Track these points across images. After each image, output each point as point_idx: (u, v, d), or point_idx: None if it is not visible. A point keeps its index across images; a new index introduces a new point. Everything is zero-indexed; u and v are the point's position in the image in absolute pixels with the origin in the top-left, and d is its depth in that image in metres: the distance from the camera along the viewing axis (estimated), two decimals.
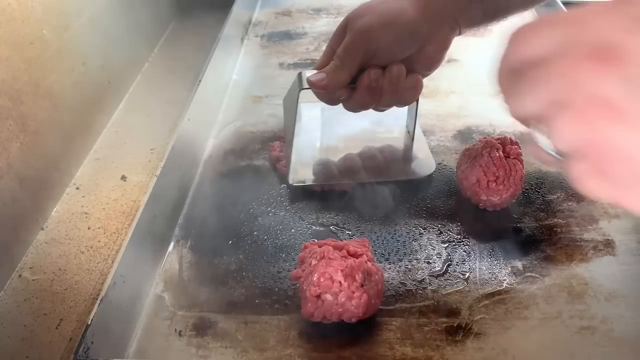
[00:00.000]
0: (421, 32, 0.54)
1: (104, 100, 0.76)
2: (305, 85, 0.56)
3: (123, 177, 0.66)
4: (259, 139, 0.73)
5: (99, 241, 0.58)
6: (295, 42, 0.96)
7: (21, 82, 0.58)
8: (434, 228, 0.58)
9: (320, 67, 0.57)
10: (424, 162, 0.65)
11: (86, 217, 0.61)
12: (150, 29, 0.94)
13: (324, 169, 0.64)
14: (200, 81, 0.72)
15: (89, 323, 0.43)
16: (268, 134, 0.74)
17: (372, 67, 0.54)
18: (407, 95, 0.57)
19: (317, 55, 0.91)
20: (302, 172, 0.64)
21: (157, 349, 0.48)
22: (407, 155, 0.67)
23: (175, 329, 0.49)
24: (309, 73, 0.56)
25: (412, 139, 0.66)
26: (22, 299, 0.52)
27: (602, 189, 0.29)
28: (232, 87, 0.84)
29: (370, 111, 0.59)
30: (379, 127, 0.70)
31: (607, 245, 0.55)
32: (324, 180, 0.63)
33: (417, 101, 0.61)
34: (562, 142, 0.29)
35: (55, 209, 0.62)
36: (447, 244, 0.56)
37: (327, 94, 0.56)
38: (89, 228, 0.59)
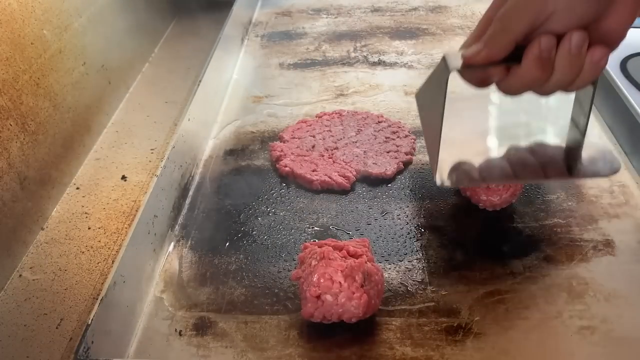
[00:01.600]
0: None
1: (104, 100, 0.76)
2: (456, 65, 0.45)
3: (123, 177, 0.66)
4: (259, 139, 0.73)
5: (99, 241, 0.58)
6: (295, 42, 0.96)
7: (21, 82, 0.58)
8: (434, 228, 0.58)
9: (472, 41, 0.46)
10: (603, 157, 0.54)
11: (86, 217, 0.61)
12: (150, 29, 0.94)
13: (476, 168, 0.54)
14: (200, 81, 0.72)
15: (89, 323, 0.43)
16: (268, 134, 0.74)
17: (543, 34, 0.42)
18: (587, 73, 0.44)
19: (318, 55, 0.92)
20: (450, 173, 0.53)
21: (157, 349, 0.48)
22: (575, 152, 0.55)
23: (175, 329, 0.49)
24: (456, 52, 0.46)
25: (584, 133, 0.54)
26: (23, 299, 0.51)
27: None
28: (232, 87, 0.85)
29: (506, 103, 0.49)
30: (520, 119, 0.58)
31: (607, 245, 0.55)
32: (479, 182, 0.54)
33: (595, 83, 0.48)
34: None
35: (55, 209, 0.62)
36: (447, 244, 0.56)
37: (480, 71, 0.46)
38: (89, 228, 0.59)
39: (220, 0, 1.00)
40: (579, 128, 0.54)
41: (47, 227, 0.59)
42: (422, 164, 0.67)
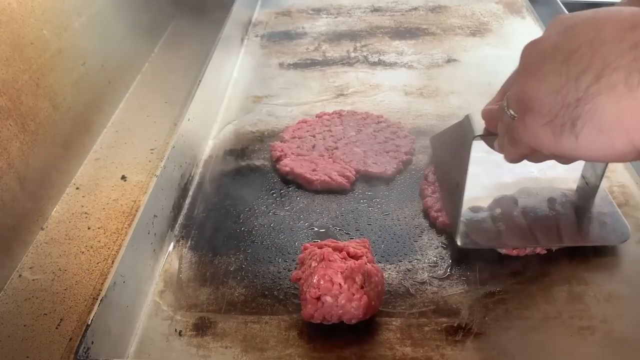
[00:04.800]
0: None
1: (104, 100, 0.76)
2: (480, 130, 0.48)
3: (123, 177, 0.66)
4: (259, 139, 0.73)
5: (99, 241, 0.57)
6: (295, 42, 0.96)
7: (21, 82, 0.58)
8: (434, 228, 0.58)
9: (491, 111, 0.48)
10: (613, 223, 0.55)
11: (86, 217, 0.61)
12: (150, 29, 0.94)
13: (496, 228, 0.55)
14: (200, 81, 0.72)
15: (89, 323, 0.43)
16: (268, 133, 0.74)
17: None
18: None
19: (318, 55, 0.92)
20: (470, 233, 0.54)
21: (157, 349, 0.48)
22: (585, 211, 0.56)
23: (175, 329, 0.49)
24: (479, 116, 0.48)
25: (594, 193, 0.56)
26: (22, 299, 0.51)
27: (546, 138, 0.36)
28: (232, 87, 0.85)
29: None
30: (539, 175, 0.59)
31: (607, 246, 0.55)
32: (520, 242, 0.54)
33: None
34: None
35: (55, 209, 0.62)
36: (446, 244, 0.56)
37: (499, 137, 0.46)
38: (89, 228, 0.59)
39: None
40: (589, 185, 0.56)
41: (47, 227, 0.59)
42: (422, 164, 0.67)
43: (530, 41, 0.39)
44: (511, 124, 0.41)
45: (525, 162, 0.45)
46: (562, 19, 0.38)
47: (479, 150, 0.50)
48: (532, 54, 0.39)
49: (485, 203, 0.57)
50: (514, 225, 0.55)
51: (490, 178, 0.58)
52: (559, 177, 0.59)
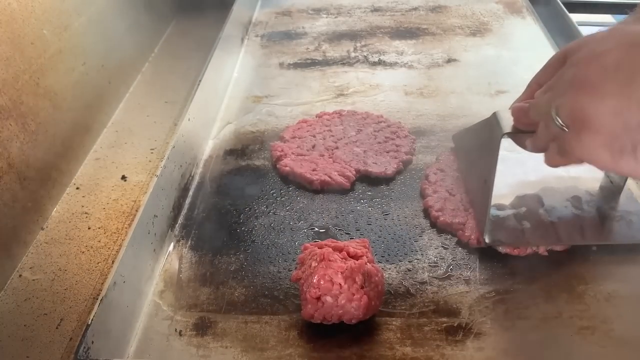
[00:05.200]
0: None
1: (104, 100, 0.76)
2: (508, 128, 0.48)
3: (123, 177, 0.66)
4: (259, 139, 0.73)
5: (99, 241, 0.58)
6: (295, 42, 0.96)
7: (21, 82, 0.58)
8: (433, 228, 0.58)
9: (525, 98, 0.49)
10: (637, 220, 0.55)
11: (86, 217, 0.61)
12: (150, 29, 0.94)
13: (520, 226, 0.55)
14: (200, 81, 0.72)
15: (89, 323, 0.43)
16: (268, 133, 0.74)
17: None
18: None
19: (318, 55, 0.92)
20: (496, 230, 0.54)
21: (157, 349, 0.48)
22: (608, 211, 0.56)
23: (175, 329, 0.49)
24: (508, 113, 0.49)
25: (619, 192, 0.56)
26: (23, 299, 0.51)
27: (603, 158, 0.36)
28: (232, 87, 0.85)
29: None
30: (563, 173, 0.58)
31: (607, 245, 0.55)
32: (543, 240, 0.54)
33: None
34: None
35: (55, 209, 0.62)
36: (447, 244, 0.56)
37: (537, 138, 0.46)
38: (89, 228, 0.59)
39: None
40: (614, 184, 0.57)
41: (47, 227, 0.59)
42: (422, 164, 0.67)
43: (588, 51, 0.38)
44: (561, 135, 0.40)
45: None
46: (625, 32, 0.37)
47: (502, 149, 0.50)
48: (591, 68, 0.37)
49: (509, 201, 0.58)
50: (538, 223, 0.55)
51: (514, 176, 0.59)
52: (583, 175, 0.58)
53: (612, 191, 0.57)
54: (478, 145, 0.56)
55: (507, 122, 0.49)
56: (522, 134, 0.48)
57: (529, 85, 0.50)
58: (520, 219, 0.56)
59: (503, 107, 0.52)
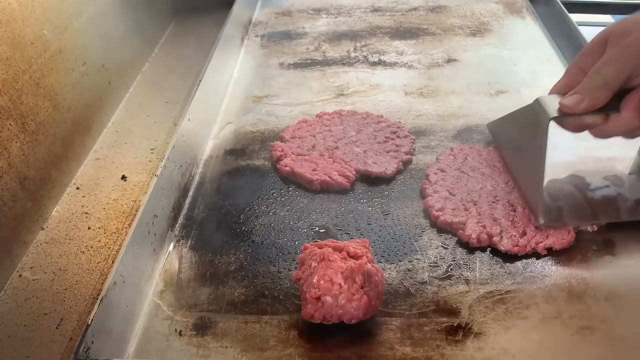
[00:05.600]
0: None
1: (104, 100, 0.76)
2: (554, 112, 0.51)
3: (123, 177, 0.66)
4: (259, 139, 0.73)
5: (99, 241, 0.58)
6: (295, 42, 0.96)
7: (21, 82, 0.58)
8: (433, 228, 0.58)
9: (562, 89, 0.53)
10: None
11: (86, 217, 0.61)
12: (150, 29, 0.94)
13: (575, 205, 0.58)
14: (200, 81, 0.72)
15: (89, 323, 0.43)
16: (268, 133, 0.74)
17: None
18: None
19: (318, 55, 0.92)
20: (552, 210, 0.57)
21: (157, 349, 0.48)
22: None
23: (175, 329, 0.49)
24: (550, 98, 0.52)
25: None
26: (23, 299, 0.51)
27: None
28: (232, 87, 0.85)
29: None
30: (598, 153, 0.63)
31: (607, 245, 0.55)
32: (581, 219, 0.57)
33: None
34: None
35: (55, 209, 0.62)
36: (447, 244, 0.56)
37: (579, 119, 0.51)
38: (89, 228, 0.59)
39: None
40: None
41: (47, 227, 0.59)
42: (422, 164, 0.67)
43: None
44: None
45: (582, 141, 0.52)
46: None
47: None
48: None
49: (551, 183, 0.60)
50: (573, 202, 0.57)
51: (550, 158, 0.59)
52: (616, 155, 0.62)
53: None
54: (522, 132, 0.58)
55: (552, 107, 0.51)
56: (570, 117, 0.51)
57: (568, 71, 0.53)
58: (555, 200, 0.57)
59: (503, 107, 0.52)
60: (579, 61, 0.52)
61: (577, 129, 0.52)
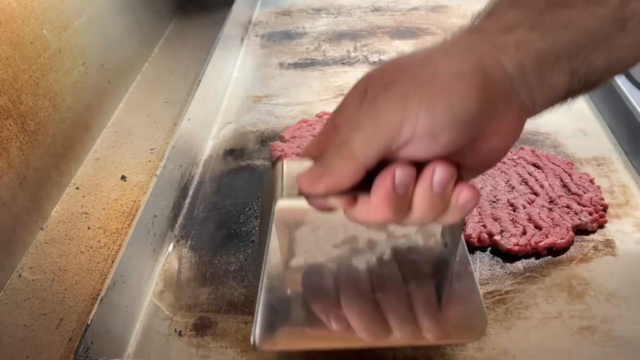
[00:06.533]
0: (484, 113, 0.32)
1: (104, 100, 0.76)
2: (290, 191, 0.35)
3: (123, 177, 0.66)
4: (259, 139, 0.73)
5: (99, 241, 0.57)
6: (295, 42, 0.96)
7: (21, 82, 0.58)
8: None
9: (315, 150, 0.37)
10: (470, 307, 0.41)
11: (86, 217, 0.61)
12: (150, 29, 0.94)
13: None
14: (200, 81, 0.72)
15: (89, 323, 0.43)
16: (268, 133, 0.74)
17: (398, 163, 0.32)
18: (452, 214, 0.34)
19: (317, 55, 0.92)
20: (275, 330, 0.39)
21: (157, 349, 0.48)
22: (441, 284, 0.41)
23: (175, 329, 0.49)
24: (294, 163, 0.36)
25: (453, 258, 0.41)
26: (22, 299, 0.51)
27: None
28: (232, 87, 0.84)
29: None
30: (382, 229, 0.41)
31: (607, 245, 0.55)
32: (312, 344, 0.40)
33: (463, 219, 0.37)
34: None
35: (55, 209, 0.62)
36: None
37: (320, 199, 0.35)
38: (89, 228, 0.59)
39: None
40: (447, 248, 0.42)
41: (46, 227, 0.59)
42: None
43: None
44: None
45: None
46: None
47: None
48: None
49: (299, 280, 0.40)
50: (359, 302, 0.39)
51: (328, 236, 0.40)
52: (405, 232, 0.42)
53: (445, 251, 0.42)
54: (267, 202, 0.39)
55: (288, 182, 0.36)
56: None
57: (325, 126, 0.40)
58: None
59: None
60: (338, 114, 0.39)
61: (323, 208, 0.35)
